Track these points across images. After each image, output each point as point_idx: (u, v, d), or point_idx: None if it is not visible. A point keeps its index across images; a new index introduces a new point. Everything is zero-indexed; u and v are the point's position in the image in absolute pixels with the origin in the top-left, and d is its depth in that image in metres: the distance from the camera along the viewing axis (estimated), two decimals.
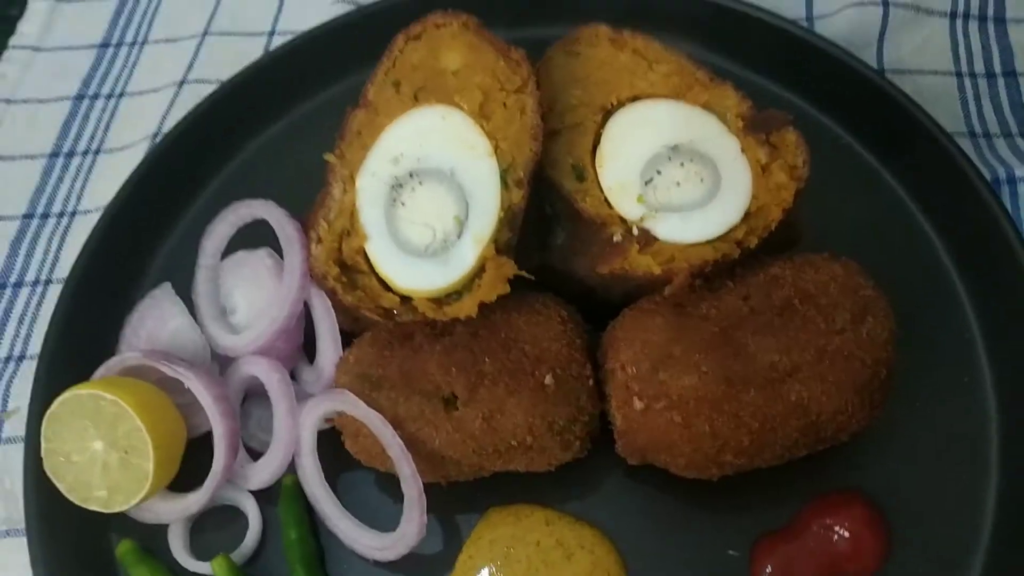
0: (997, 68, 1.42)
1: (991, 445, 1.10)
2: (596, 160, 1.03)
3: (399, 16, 1.38)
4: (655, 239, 0.98)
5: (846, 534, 1.02)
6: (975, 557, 1.04)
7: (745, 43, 1.34)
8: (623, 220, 1.00)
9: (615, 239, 0.98)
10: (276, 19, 1.63)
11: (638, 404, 0.96)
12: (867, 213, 1.24)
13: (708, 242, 0.97)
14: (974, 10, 1.45)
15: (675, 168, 1.00)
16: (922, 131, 1.23)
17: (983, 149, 1.34)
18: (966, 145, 1.32)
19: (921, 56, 1.44)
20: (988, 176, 1.25)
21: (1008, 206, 1.23)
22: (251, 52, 1.56)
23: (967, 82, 1.41)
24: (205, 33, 1.62)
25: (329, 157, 1.01)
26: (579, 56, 1.07)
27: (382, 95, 1.02)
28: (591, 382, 1.01)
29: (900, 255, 1.21)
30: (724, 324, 0.96)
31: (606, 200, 1.00)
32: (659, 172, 1.00)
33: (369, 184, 1.00)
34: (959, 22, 1.46)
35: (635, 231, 0.98)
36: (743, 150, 1.00)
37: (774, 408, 0.93)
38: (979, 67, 1.42)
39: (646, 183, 1.00)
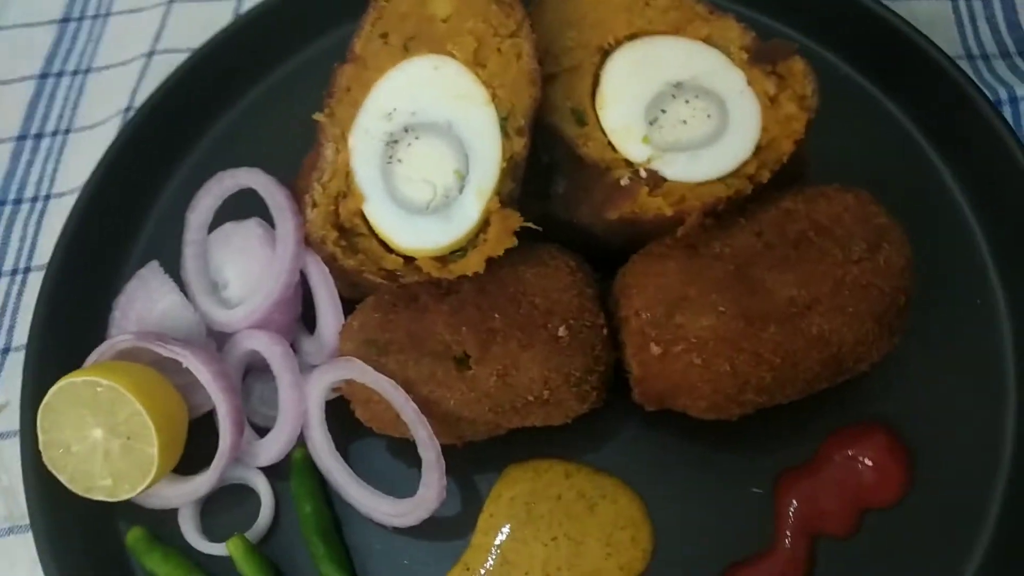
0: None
1: (1007, 367, 1.09)
2: (596, 103, 0.99)
3: None
4: (664, 180, 0.94)
5: (869, 463, 1.03)
6: (996, 481, 1.04)
7: None
8: (629, 163, 0.96)
9: (622, 183, 0.94)
10: None
11: (655, 349, 0.93)
12: (871, 142, 1.22)
13: (719, 179, 0.94)
14: None
15: (680, 106, 0.97)
16: (922, 55, 1.21)
17: (982, 71, 1.32)
18: (965, 67, 1.29)
19: None
20: (990, 97, 1.23)
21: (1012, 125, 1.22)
22: (220, 18, 1.50)
23: (962, 4, 1.39)
24: (171, 1, 1.56)
25: (319, 116, 0.97)
26: None
27: (370, 48, 0.97)
28: (605, 331, 0.98)
29: (906, 182, 1.19)
30: (739, 262, 0.94)
31: (610, 144, 0.97)
32: (663, 111, 0.97)
33: (363, 142, 0.96)
34: None
35: (643, 173, 0.95)
36: (749, 83, 0.97)
37: (795, 342, 0.92)
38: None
39: (651, 123, 0.97)
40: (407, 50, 0.97)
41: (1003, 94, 1.26)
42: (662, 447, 1.07)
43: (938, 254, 1.14)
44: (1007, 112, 1.25)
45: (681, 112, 0.96)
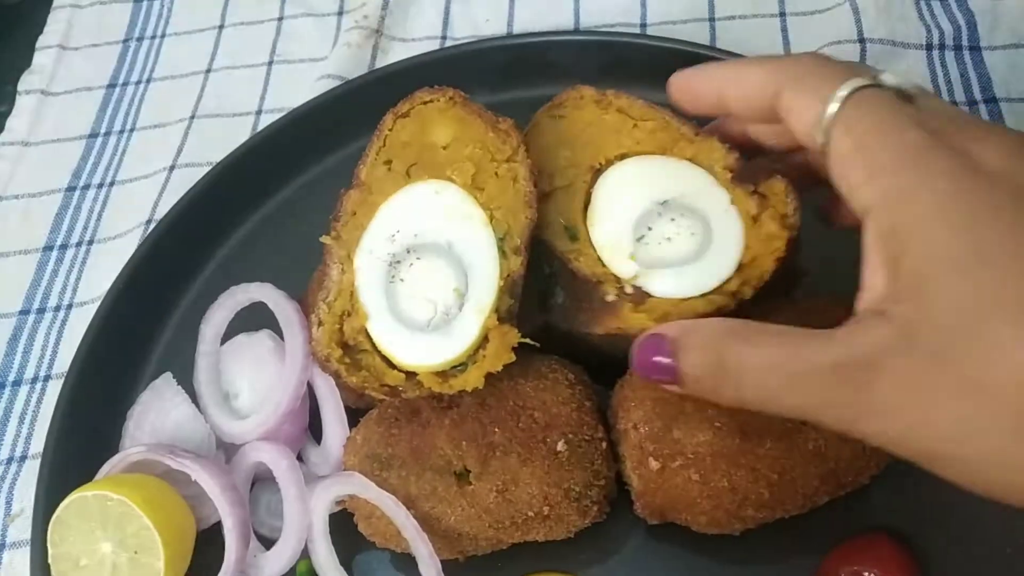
0: (978, 95, 1.43)
1: None
2: (588, 219, 1.02)
3: (385, 88, 1.42)
4: (648, 296, 0.97)
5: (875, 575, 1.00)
6: None
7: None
8: (616, 279, 0.99)
9: (608, 299, 0.97)
10: (262, 98, 1.64)
11: (654, 464, 0.94)
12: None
13: (702, 295, 0.96)
14: (949, 40, 1.48)
15: (666, 223, 0.99)
16: None
17: None
18: None
19: None
20: None
21: None
22: (239, 132, 1.58)
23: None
24: (192, 117, 1.64)
25: (325, 239, 1.01)
26: (565, 119, 1.08)
27: (374, 174, 1.02)
28: (604, 444, 0.99)
29: None
30: None
31: (599, 259, 1.00)
32: (650, 228, 1.00)
33: (367, 263, 1.00)
34: (935, 53, 1.48)
35: (629, 289, 0.97)
36: (732, 202, 0.99)
37: (792, 458, 0.92)
38: (960, 95, 1.44)
39: (638, 240, 0.99)
40: (409, 176, 1.01)
41: None
42: (666, 561, 1.06)
43: None
44: None
45: (666, 230, 0.99)
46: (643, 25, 1.62)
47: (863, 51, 1.49)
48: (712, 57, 1.40)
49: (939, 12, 1.53)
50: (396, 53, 1.65)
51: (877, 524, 1.05)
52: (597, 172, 1.05)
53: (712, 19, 1.60)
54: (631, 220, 1.01)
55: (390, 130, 1.03)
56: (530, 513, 0.96)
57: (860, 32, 1.50)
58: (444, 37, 1.67)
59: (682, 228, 0.99)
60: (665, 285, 0.97)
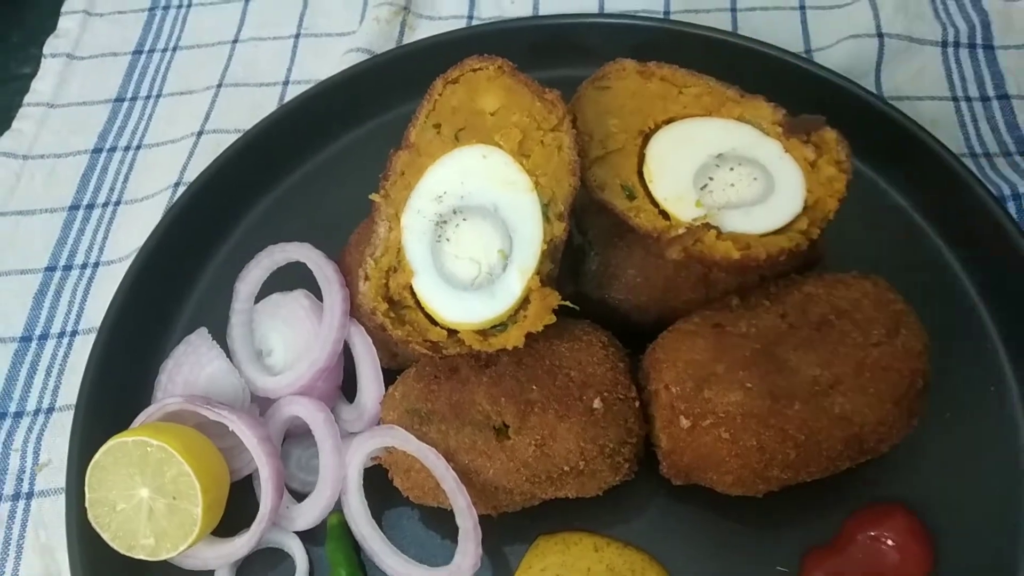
0: (991, 92, 1.48)
1: (1021, 451, 1.12)
2: (645, 178, 1.06)
3: (413, 63, 1.46)
4: (722, 232, 1.01)
5: (892, 544, 1.04)
6: (1016, 566, 1.06)
7: (748, 77, 1.37)
8: (682, 226, 1.03)
9: (680, 231, 1.01)
10: (290, 69, 1.67)
11: (684, 422, 0.98)
12: (881, 233, 1.29)
13: (779, 231, 1.01)
14: (964, 38, 1.53)
15: (725, 172, 1.04)
16: (928, 152, 1.28)
17: (985, 168, 1.40)
18: (969, 165, 1.37)
19: (918, 83, 1.50)
20: (993, 192, 1.31)
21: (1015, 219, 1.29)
22: (266, 102, 1.60)
23: (963, 106, 1.47)
24: (220, 85, 1.66)
25: (374, 196, 1.04)
26: (610, 89, 1.11)
27: (424, 136, 1.04)
28: (637, 404, 1.03)
29: (916, 272, 1.24)
30: (764, 341, 0.99)
31: (661, 212, 1.04)
32: (711, 179, 1.04)
33: (414, 221, 1.03)
34: (951, 50, 1.53)
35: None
36: (787, 151, 1.05)
37: (819, 421, 0.96)
38: (973, 91, 1.48)
39: (701, 189, 1.04)
40: (458, 140, 1.04)
41: (1006, 190, 1.34)
42: (690, 522, 1.10)
43: (951, 342, 1.18)
44: (1012, 207, 1.32)
45: (727, 177, 1.04)
46: (666, 13, 1.65)
47: (881, 46, 1.53)
48: (734, 44, 1.44)
49: (954, 11, 1.58)
50: (423, 30, 1.67)
51: (893, 495, 1.10)
52: (647, 136, 1.09)
53: (734, 9, 1.64)
54: (691, 173, 1.05)
55: (440, 95, 1.05)
56: (566, 467, 0.99)
57: (878, 27, 1.55)
58: (470, 17, 1.70)
59: (743, 175, 1.03)
60: (737, 221, 1.01)
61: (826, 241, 1.13)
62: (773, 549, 1.08)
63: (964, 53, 1.53)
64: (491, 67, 1.06)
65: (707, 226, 1.02)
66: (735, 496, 1.04)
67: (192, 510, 1.04)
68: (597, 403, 1.00)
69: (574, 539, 1.10)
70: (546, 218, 1.01)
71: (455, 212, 1.02)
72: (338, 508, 1.11)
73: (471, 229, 1.02)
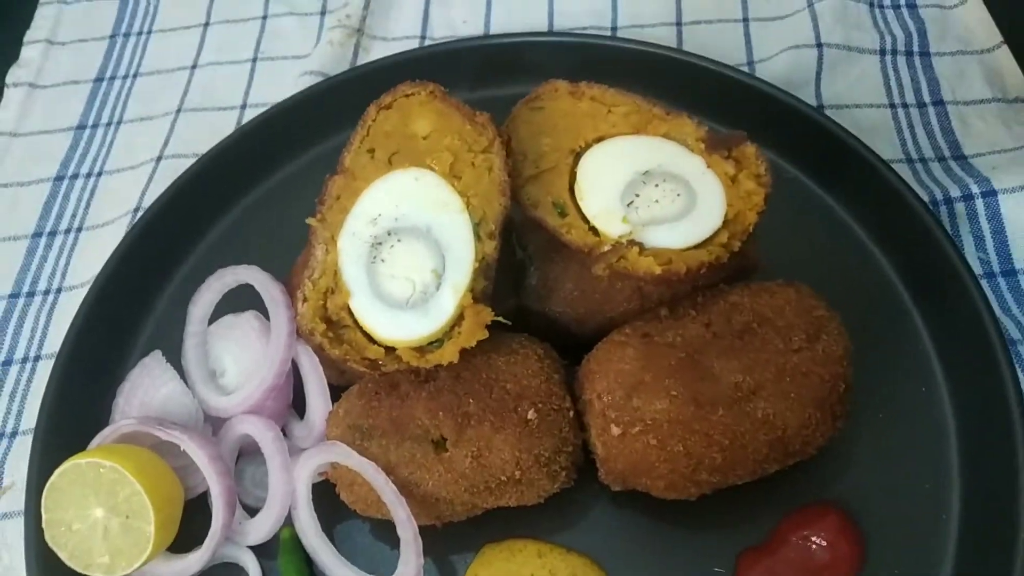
0: (927, 98, 1.52)
1: (951, 451, 1.16)
2: (576, 195, 1.10)
3: (366, 85, 1.48)
4: (645, 248, 1.05)
5: (823, 543, 1.08)
6: (944, 561, 1.10)
7: (691, 90, 1.42)
8: (609, 243, 1.06)
9: (605, 249, 1.04)
10: (247, 93, 1.70)
11: (615, 430, 1.01)
12: (817, 240, 1.32)
13: (699, 245, 1.04)
14: (900, 47, 1.57)
15: (651, 189, 1.08)
16: (860, 160, 1.31)
17: (920, 173, 1.43)
18: (905, 171, 1.42)
19: (856, 91, 1.54)
20: (927, 197, 1.35)
21: (947, 225, 1.33)
22: (224, 126, 1.63)
23: (900, 112, 1.51)
24: (179, 110, 1.68)
25: (311, 221, 1.07)
26: (543, 110, 1.15)
27: (358, 161, 1.08)
28: (571, 413, 1.06)
29: (851, 277, 1.28)
30: (689, 349, 1.02)
31: (591, 229, 1.07)
32: (637, 195, 1.08)
33: (350, 244, 1.06)
34: (888, 58, 1.57)
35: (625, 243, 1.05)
36: (709, 166, 1.08)
37: (742, 425, 0.99)
38: (910, 98, 1.52)
39: (627, 205, 1.07)
40: (391, 163, 1.08)
41: (939, 194, 1.37)
42: (629, 527, 1.13)
43: (883, 344, 1.22)
44: (943, 211, 1.36)
45: (652, 194, 1.07)
46: (614, 28, 1.69)
47: (820, 55, 1.57)
48: (677, 60, 1.48)
49: (892, 19, 1.62)
50: (377, 51, 1.70)
51: (825, 495, 1.13)
52: (578, 155, 1.12)
53: (679, 23, 1.67)
54: (618, 190, 1.08)
55: (373, 121, 1.09)
56: (503, 477, 1.03)
57: (818, 37, 1.58)
58: (423, 37, 1.73)
59: (667, 191, 1.07)
60: (661, 238, 1.05)
61: (760, 251, 1.17)
62: (709, 551, 1.11)
63: (901, 60, 1.57)
64: (423, 92, 1.09)
65: (632, 242, 1.05)
66: (670, 500, 1.07)
67: (145, 528, 1.07)
68: (531, 414, 1.03)
69: (519, 546, 1.13)
70: (477, 237, 1.05)
71: (389, 234, 1.06)
72: (290, 522, 1.14)
73: (405, 250, 1.05)
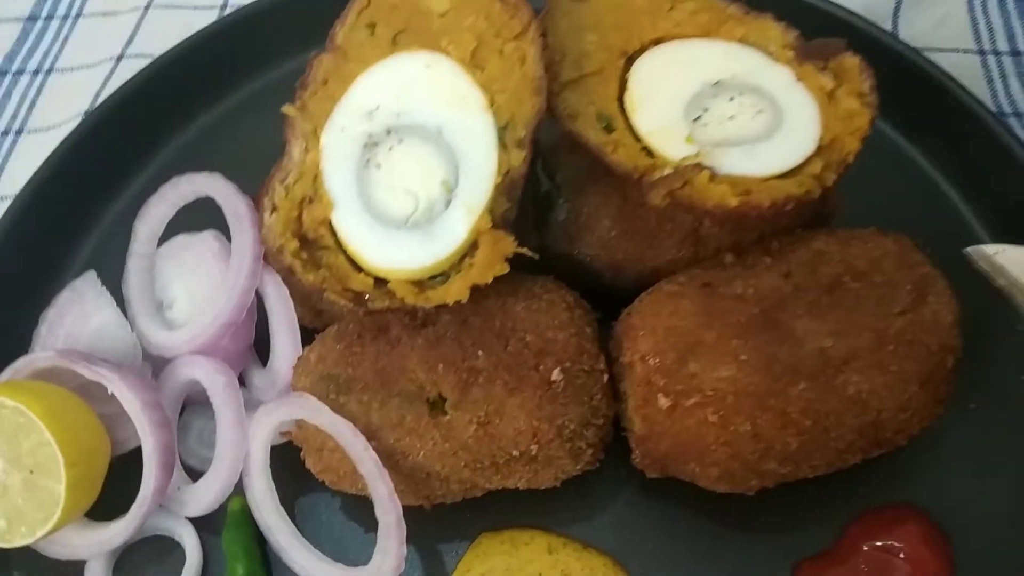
0: (1021, 46, 1.32)
1: None
2: (626, 107, 0.91)
3: None
4: (717, 174, 0.85)
5: (902, 556, 0.89)
6: None
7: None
8: (668, 166, 0.87)
9: (665, 172, 0.85)
10: None
11: (663, 402, 0.81)
12: (901, 193, 1.14)
13: (786, 175, 0.86)
14: None
15: (723, 103, 0.89)
16: (959, 106, 1.13)
17: (1016, 130, 1.24)
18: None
19: (940, 33, 1.35)
20: None
21: None
22: (199, 26, 1.40)
23: (991, 60, 1.32)
24: (148, 6, 1.47)
25: (288, 109, 0.86)
26: (589, 1, 0.95)
27: (354, 38, 0.87)
28: (606, 377, 0.86)
29: (940, 238, 1.07)
30: (764, 305, 0.83)
31: (644, 149, 0.88)
32: (706, 109, 0.89)
33: (337, 141, 0.85)
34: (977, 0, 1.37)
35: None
36: (799, 79, 0.90)
37: (828, 403, 0.80)
38: (1003, 45, 1.34)
39: (693, 121, 0.89)
40: (396, 44, 0.87)
41: None
42: (663, 523, 0.95)
43: (976, 321, 1.02)
44: None
45: (726, 109, 0.89)
46: None
47: None
48: None
49: None
50: None
51: (903, 497, 0.94)
52: (630, 58, 0.93)
53: None
54: (682, 103, 0.89)
55: None
56: (515, 452, 0.83)
57: None
58: None
59: (744, 106, 0.89)
60: (736, 162, 0.86)
61: (841, 193, 0.97)
62: (761, 558, 0.93)
63: (992, 2, 1.37)
64: None
65: (699, 166, 0.85)
66: (719, 493, 0.88)
67: (54, 487, 0.87)
68: (556, 374, 0.83)
69: (524, 538, 0.94)
70: (502, 145, 0.84)
71: (389, 132, 0.86)
72: (241, 491, 0.93)
73: (408, 154, 0.85)
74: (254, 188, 1.05)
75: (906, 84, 1.16)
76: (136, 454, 0.96)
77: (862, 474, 0.91)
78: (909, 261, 0.86)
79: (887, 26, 1.35)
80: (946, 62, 1.31)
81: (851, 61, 0.89)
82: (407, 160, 0.84)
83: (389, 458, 0.84)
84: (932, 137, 1.16)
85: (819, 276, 0.84)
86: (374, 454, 0.83)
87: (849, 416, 0.80)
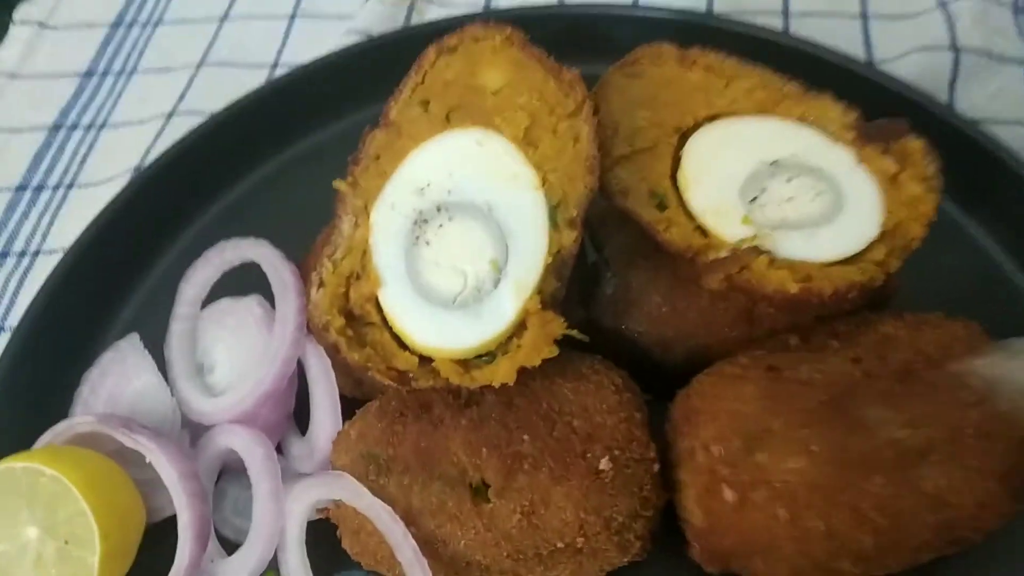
0: None
1: None
2: (679, 185, 0.88)
3: (415, 47, 1.26)
4: (775, 258, 0.83)
5: None
6: None
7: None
8: (724, 246, 0.85)
9: (722, 254, 0.83)
10: (280, 51, 1.51)
11: (729, 494, 0.77)
12: (960, 271, 1.08)
13: (848, 261, 0.82)
14: None
15: (781, 184, 0.87)
16: (1019, 180, 1.08)
17: None
18: None
19: (996, 105, 1.31)
20: None
21: None
22: (250, 85, 1.41)
23: None
24: (201, 64, 1.49)
25: (339, 184, 0.84)
26: (642, 77, 0.93)
27: (407, 114, 0.86)
28: (656, 467, 0.82)
29: (1001, 318, 1.03)
30: (833, 391, 0.79)
31: (697, 228, 0.86)
32: (764, 189, 0.87)
33: (387, 218, 0.84)
34: None
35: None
36: (860, 161, 0.87)
37: (905, 499, 0.75)
38: None
39: (750, 202, 0.86)
40: (449, 121, 0.86)
41: None
42: None
43: None
44: None
45: (784, 190, 0.86)
46: (709, 12, 1.46)
47: (956, 60, 1.33)
48: (787, 45, 1.25)
49: None
50: (433, 17, 1.49)
51: None
52: (684, 134, 0.90)
53: (787, 12, 1.45)
54: (738, 182, 0.87)
55: (432, 65, 0.87)
56: (560, 544, 0.79)
57: (953, 40, 1.35)
58: (488, 5, 1.51)
59: (804, 187, 0.86)
60: (795, 247, 0.83)
61: (897, 276, 0.93)
62: None
63: None
64: (497, 36, 0.87)
65: (757, 249, 0.82)
66: None
67: (87, 559, 0.85)
68: (605, 463, 0.79)
69: None
70: (553, 224, 0.82)
71: (439, 209, 0.83)
72: (275, 566, 0.90)
73: (458, 231, 0.83)
74: (300, 252, 1.04)
75: (964, 158, 1.13)
76: (168, 523, 0.93)
77: (934, 572, 0.86)
78: (980, 349, 0.82)
79: (943, 97, 1.32)
80: (1003, 135, 1.28)
81: (915, 144, 0.86)
82: (457, 238, 0.82)
83: (428, 545, 0.81)
84: (991, 212, 1.12)
85: (889, 362, 0.80)
86: (413, 541, 0.80)
87: (926, 513, 0.75)
